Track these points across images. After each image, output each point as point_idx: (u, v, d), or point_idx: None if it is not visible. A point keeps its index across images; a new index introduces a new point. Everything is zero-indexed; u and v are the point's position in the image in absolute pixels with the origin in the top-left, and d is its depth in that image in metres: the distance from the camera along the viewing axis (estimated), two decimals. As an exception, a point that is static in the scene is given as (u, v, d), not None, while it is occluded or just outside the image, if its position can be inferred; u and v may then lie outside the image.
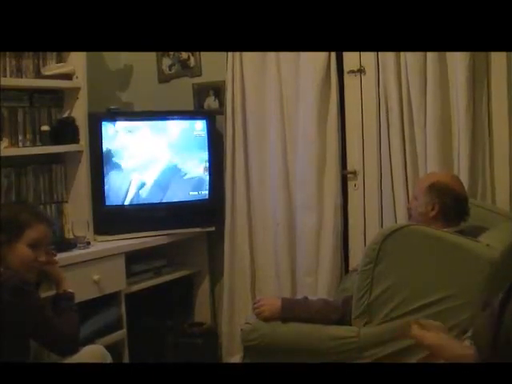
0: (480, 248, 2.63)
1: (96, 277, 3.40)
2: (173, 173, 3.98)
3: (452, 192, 2.95)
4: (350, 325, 2.78)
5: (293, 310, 2.93)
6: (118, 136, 3.83)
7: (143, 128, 3.93)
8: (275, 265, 3.98)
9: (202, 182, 4.05)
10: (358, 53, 3.68)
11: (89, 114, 3.74)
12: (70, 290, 2.92)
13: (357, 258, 3.61)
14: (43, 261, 2.84)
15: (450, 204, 2.92)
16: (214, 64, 4.16)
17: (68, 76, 3.69)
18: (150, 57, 4.40)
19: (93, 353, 2.77)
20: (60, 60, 3.72)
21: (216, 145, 4.08)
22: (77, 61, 3.70)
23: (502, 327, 1.80)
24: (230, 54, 3.97)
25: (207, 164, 4.04)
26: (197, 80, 4.30)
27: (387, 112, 3.57)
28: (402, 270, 2.71)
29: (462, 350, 2.09)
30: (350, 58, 3.74)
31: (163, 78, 4.43)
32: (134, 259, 3.78)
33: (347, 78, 3.78)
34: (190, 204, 4.03)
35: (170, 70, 4.40)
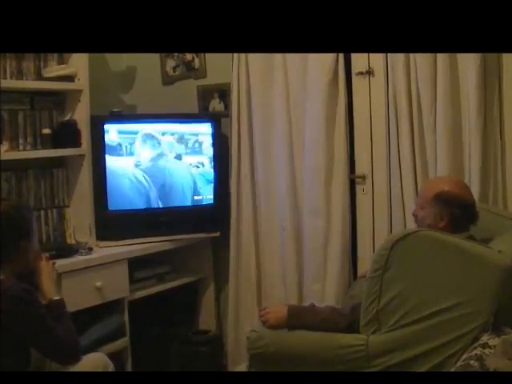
0: (492, 254, 2.59)
1: (98, 283, 3.39)
2: (177, 177, 3.94)
3: (459, 200, 2.88)
4: (359, 332, 2.73)
5: (299, 318, 2.88)
6: (120, 139, 3.79)
7: (146, 131, 3.88)
8: (282, 271, 3.93)
9: (206, 186, 4.01)
10: (366, 54, 3.63)
11: (91, 116, 3.73)
12: (58, 297, 2.88)
13: (365, 264, 3.56)
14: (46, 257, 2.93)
15: (459, 213, 2.86)
16: (219, 66, 4.13)
17: (70, 78, 3.68)
18: (154, 58, 4.39)
19: (95, 361, 2.75)
20: (61, 61, 3.71)
21: (221, 148, 4.05)
22: (79, 62, 3.68)
23: None
24: (235, 55, 3.93)
25: (212, 168, 4.00)
26: (201, 82, 4.28)
27: (396, 115, 3.51)
28: (412, 276, 2.66)
29: None
30: (359, 60, 3.68)
31: (167, 80, 4.40)
32: (137, 265, 3.75)
33: (355, 80, 3.72)
34: (194, 209, 4.01)
35: (174, 71, 4.37)
